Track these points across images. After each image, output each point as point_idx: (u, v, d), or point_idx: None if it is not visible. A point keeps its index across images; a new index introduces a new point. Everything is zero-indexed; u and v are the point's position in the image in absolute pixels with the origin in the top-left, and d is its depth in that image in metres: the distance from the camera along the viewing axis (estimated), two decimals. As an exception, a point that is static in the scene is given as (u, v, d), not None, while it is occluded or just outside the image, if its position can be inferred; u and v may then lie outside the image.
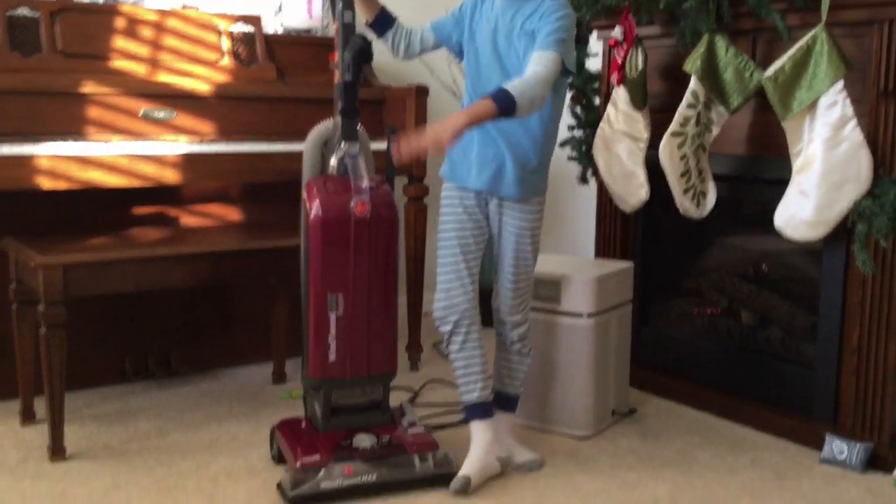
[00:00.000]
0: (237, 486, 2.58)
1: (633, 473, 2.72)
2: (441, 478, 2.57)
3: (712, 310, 3.48)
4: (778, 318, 3.24)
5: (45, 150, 2.88)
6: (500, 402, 2.76)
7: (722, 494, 2.58)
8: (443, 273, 2.65)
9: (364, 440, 2.60)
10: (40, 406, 3.02)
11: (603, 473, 2.72)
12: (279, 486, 2.51)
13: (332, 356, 2.61)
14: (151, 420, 3.11)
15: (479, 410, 2.66)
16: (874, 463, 2.76)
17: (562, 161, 3.27)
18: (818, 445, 2.88)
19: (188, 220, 3.54)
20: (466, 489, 2.53)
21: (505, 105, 2.32)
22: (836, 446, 2.81)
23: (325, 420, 2.64)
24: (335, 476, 2.48)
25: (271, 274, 3.38)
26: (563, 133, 3.30)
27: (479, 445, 2.63)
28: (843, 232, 2.80)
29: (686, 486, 2.64)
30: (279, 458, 2.72)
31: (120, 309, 3.40)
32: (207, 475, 2.66)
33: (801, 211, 2.78)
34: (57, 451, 2.74)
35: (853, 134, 2.67)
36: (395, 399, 3.11)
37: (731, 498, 2.56)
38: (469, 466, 2.59)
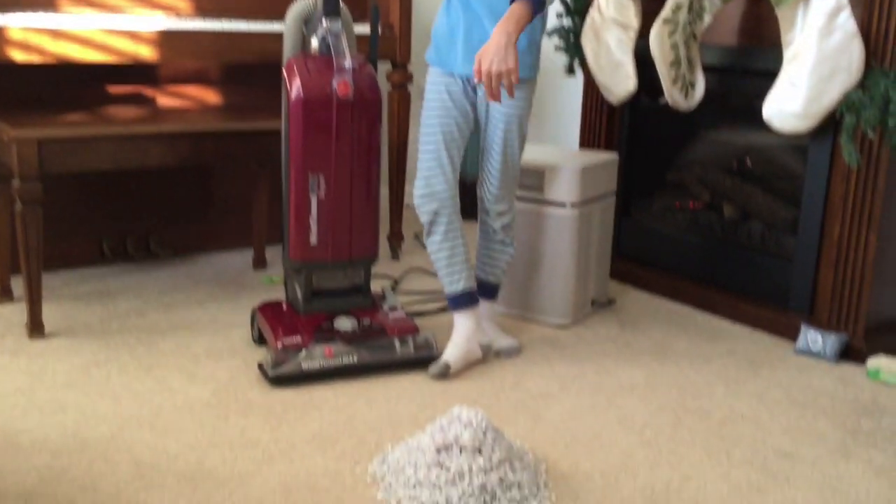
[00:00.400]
0: (218, 366, 2.59)
1: (610, 360, 2.76)
2: (421, 361, 2.59)
3: (694, 204, 3.47)
4: (759, 212, 3.24)
5: (16, 22, 2.78)
6: (481, 289, 2.77)
7: (697, 381, 2.62)
8: (424, 160, 2.60)
9: (345, 323, 2.60)
10: (17, 285, 3.00)
11: (581, 360, 2.75)
12: (260, 365, 2.52)
13: (313, 238, 2.59)
14: (130, 301, 3.10)
15: (464, 300, 2.65)
16: (848, 354, 2.81)
17: (548, 52, 3.19)
18: (793, 337, 2.92)
19: (166, 100, 3.46)
20: (445, 374, 2.55)
21: (539, 2, 2.34)
22: (811, 337, 2.85)
23: (305, 303, 2.64)
24: (316, 357, 2.49)
25: (251, 157, 3.33)
26: (551, 20, 3.23)
27: (461, 333, 2.64)
28: (830, 125, 2.78)
29: (662, 372, 2.68)
30: (260, 340, 2.73)
31: (98, 190, 3.35)
32: (188, 354, 2.67)
33: (790, 102, 2.74)
34: (35, 328, 2.72)
35: (847, 23, 2.63)
36: (377, 287, 3.11)
37: (706, 384, 2.60)
38: (450, 353, 2.60)
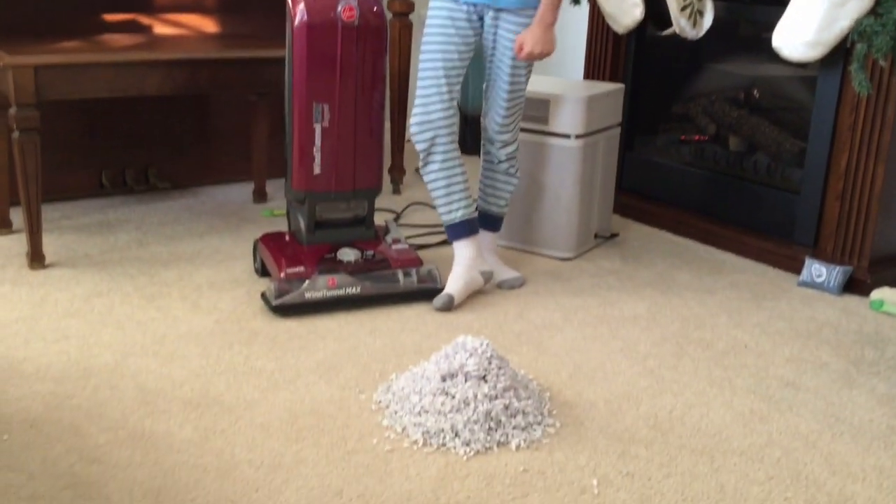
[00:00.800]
0: (221, 296, 2.58)
1: (613, 292, 2.75)
2: (424, 293, 2.58)
3: (700, 137, 3.44)
4: (766, 145, 3.21)
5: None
6: (484, 221, 2.75)
7: (700, 312, 2.62)
8: (422, 87, 2.55)
9: (348, 254, 2.59)
10: (17, 216, 2.97)
11: (584, 292, 2.74)
12: (263, 295, 2.51)
13: (316, 169, 2.56)
14: (131, 233, 3.08)
15: (463, 229, 2.63)
16: (852, 286, 2.81)
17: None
18: (797, 270, 2.91)
19: (164, 28, 3.40)
20: (449, 307, 2.54)
21: None
22: (815, 269, 2.84)
23: (309, 233, 2.62)
24: (319, 287, 2.48)
25: (249, 87, 3.27)
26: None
27: (461, 263, 2.63)
28: (840, 54, 2.73)
29: (665, 304, 2.67)
30: (262, 272, 2.71)
31: (97, 123, 3.30)
32: (191, 285, 2.66)
33: (801, 29, 2.69)
34: (36, 258, 2.71)
35: (861, -52, 2.56)
36: (379, 220, 3.09)
37: (709, 315, 2.60)
38: (452, 285, 2.59)
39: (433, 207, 2.72)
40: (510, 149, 2.68)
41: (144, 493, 1.65)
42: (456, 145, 2.60)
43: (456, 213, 2.62)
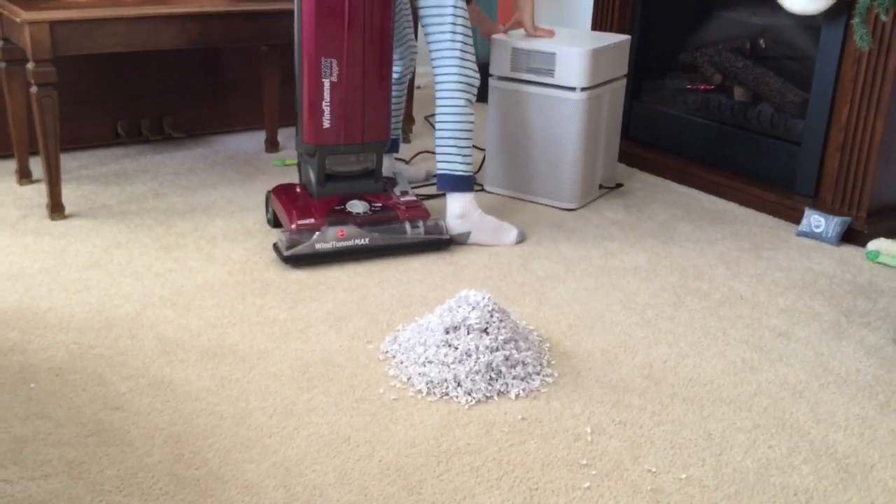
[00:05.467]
0: (234, 246, 2.68)
1: (615, 243, 2.83)
2: (431, 244, 2.67)
3: (705, 86, 3.47)
4: (770, 95, 3.24)
5: None
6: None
7: (699, 263, 2.70)
8: (466, 42, 2.71)
9: (357, 206, 2.67)
10: (36, 166, 3.06)
11: (586, 242, 2.82)
12: (275, 245, 2.60)
13: (326, 123, 2.62)
14: (147, 183, 3.16)
15: (472, 184, 2.77)
16: (849, 237, 2.87)
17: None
18: (797, 220, 2.97)
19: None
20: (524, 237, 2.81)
21: None
22: (814, 220, 2.90)
23: (319, 186, 2.70)
24: (329, 238, 2.56)
25: (261, 39, 3.31)
26: None
27: (477, 210, 2.79)
28: (843, 7, 2.75)
29: (665, 255, 2.75)
30: (275, 223, 2.80)
31: (112, 73, 3.36)
32: (206, 236, 2.75)
33: (805, -16, 2.71)
34: (56, 208, 2.80)
35: None
36: (387, 171, 3.15)
37: (708, 266, 2.68)
38: (508, 224, 2.80)
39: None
40: None
41: (165, 439, 1.77)
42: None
43: (471, 166, 2.75)
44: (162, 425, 1.81)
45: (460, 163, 2.73)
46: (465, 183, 2.73)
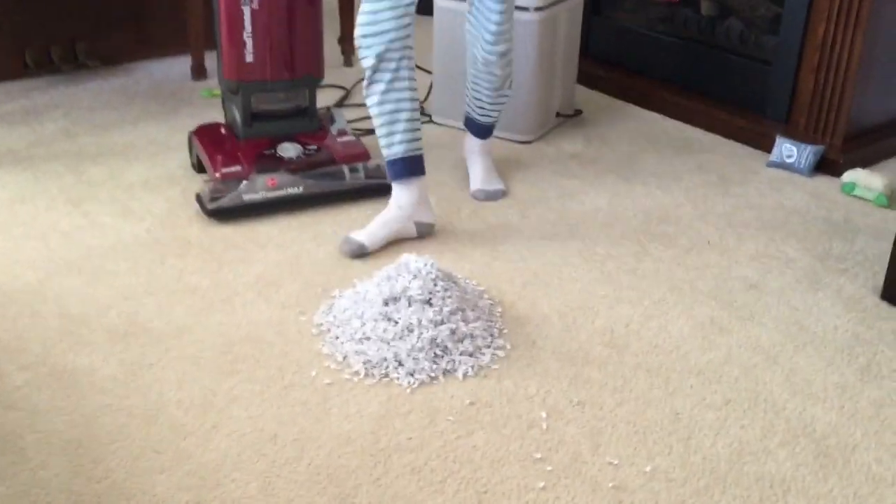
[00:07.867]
0: (154, 197, 2.42)
1: (574, 181, 2.60)
2: (372, 189, 2.42)
3: (670, -1, 3.20)
4: (739, 9, 2.99)
5: None
6: (473, 127, 2.53)
7: (664, 202, 2.49)
8: None
9: (289, 149, 2.41)
10: (-69, 108, 2.75)
11: (543, 181, 2.59)
12: (198, 197, 2.34)
13: (248, 56, 2.34)
14: (58, 121, 2.86)
15: (404, 168, 2.18)
16: (823, 167, 2.67)
17: None
18: (768, 148, 2.76)
19: None
20: (358, 255, 2.16)
21: None
22: (786, 149, 2.69)
23: (245, 127, 2.43)
24: (258, 188, 2.31)
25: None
26: None
27: (393, 208, 2.21)
28: (823, -87, 2.49)
29: (627, 193, 2.53)
30: (199, 168, 2.53)
31: (12, -5, 3.02)
32: (122, 184, 2.48)
33: None
34: (-48, 159, 2.51)
35: None
36: (324, 101, 2.88)
37: (673, 206, 2.47)
38: (371, 231, 2.19)
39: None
40: (507, 59, 2.37)
41: (64, 445, 1.55)
42: (411, 62, 2.13)
43: (397, 146, 2.17)
44: (61, 427, 1.59)
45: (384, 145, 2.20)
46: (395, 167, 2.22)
